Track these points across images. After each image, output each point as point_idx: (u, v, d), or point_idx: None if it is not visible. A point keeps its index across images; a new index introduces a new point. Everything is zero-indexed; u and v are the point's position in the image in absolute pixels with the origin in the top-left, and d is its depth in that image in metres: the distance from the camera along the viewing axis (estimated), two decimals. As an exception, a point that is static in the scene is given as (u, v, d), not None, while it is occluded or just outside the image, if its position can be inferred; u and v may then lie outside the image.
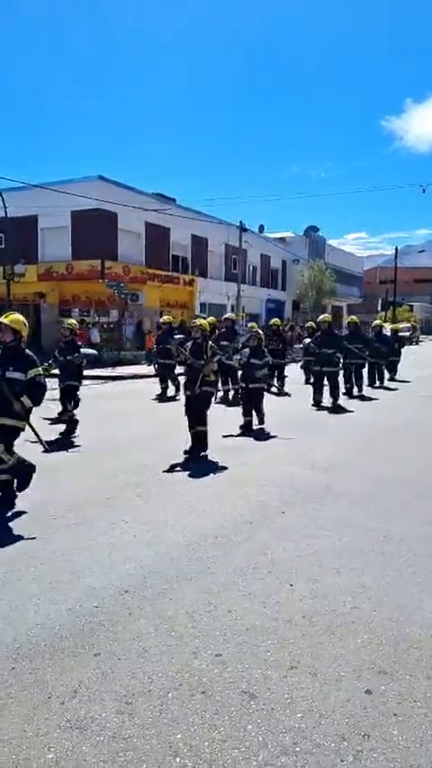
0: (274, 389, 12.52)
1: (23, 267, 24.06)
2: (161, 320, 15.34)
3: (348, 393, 13.50)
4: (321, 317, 13.02)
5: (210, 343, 7.64)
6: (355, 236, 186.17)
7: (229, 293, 33.53)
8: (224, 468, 6.94)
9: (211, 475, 6.61)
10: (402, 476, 6.64)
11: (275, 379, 13.91)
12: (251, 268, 39.73)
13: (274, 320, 15.59)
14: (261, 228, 39.86)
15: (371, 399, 13.23)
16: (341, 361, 12.35)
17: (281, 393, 13.60)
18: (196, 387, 7.37)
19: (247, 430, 9.02)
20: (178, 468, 6.85)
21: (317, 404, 11.89)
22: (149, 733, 2.47)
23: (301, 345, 18.41)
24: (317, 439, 8.74)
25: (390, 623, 3.38)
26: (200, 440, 7.51)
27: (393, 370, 17.14)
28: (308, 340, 13.30)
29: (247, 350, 9.51)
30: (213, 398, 7.67)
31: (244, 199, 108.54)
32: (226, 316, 14.40)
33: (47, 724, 2.53)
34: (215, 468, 6.93)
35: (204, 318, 11.39)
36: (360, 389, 13.90)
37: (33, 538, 4.65)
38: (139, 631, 3.27)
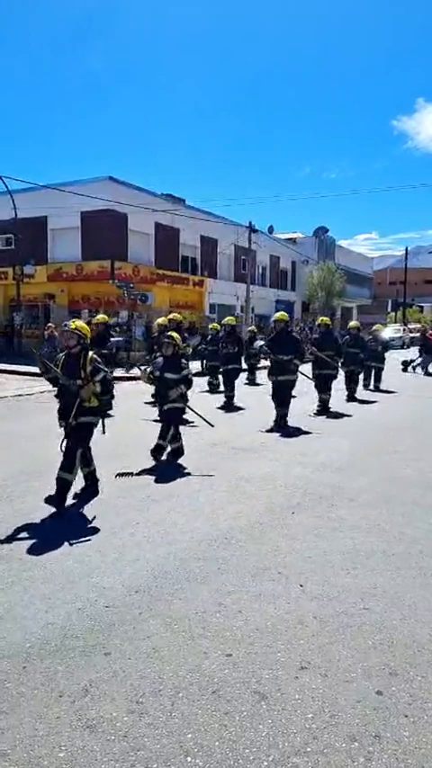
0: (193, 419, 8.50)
1: (33, 268, 24.19)
2: (94, 320, 12.26)
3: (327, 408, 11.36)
4: (276, 314, 10.44)
5: (91, 354, 5.55)
6: (366, 237, 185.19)
7: (238, 294, 33.54)
8: (233, 469, 6.93)
9: (221, 476, 6.60)
10: (413, 477, 6.61)
11: (227, 389, 12.18)
12: (260, 269, 39.73)
13: (228, 318, 13.12)
14: (271, 229, 39.81)
15: (343, 416, 10.90)
16: (299, 368, 9.86)
17: (229, 397, 11.75)
18: (71, 417, 5.43)
19: (156, 455, 7.10)
20: (187, 470, 6.85)
21: (281, 420, 9.53)
22: (160, 732, 2.48)
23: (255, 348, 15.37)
24: (323, 440, 8.72)
25: (401, 624, 3.36)
26: (60, 487, 5.30)
27: (377, 379, 15.29)
28: (260, 342, 10.67)
29: (159, 360, 7.43)
30: (99, 429, 5.72)
31: (254, 200, 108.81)
32: (170, 316, 11.62)
33: (58, 723, 2.54)
34: (225, 469, 6.93)
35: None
36: (326, 402, 11.38)
37: (43, 538, 4.67)
38: (150, 631, 3.28)
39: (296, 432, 9.25)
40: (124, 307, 25.72)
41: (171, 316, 11.63)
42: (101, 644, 3.15)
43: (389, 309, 59.09)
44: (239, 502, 5.63)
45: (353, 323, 15.10)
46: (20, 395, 14.02)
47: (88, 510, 5.37)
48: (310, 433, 9.19)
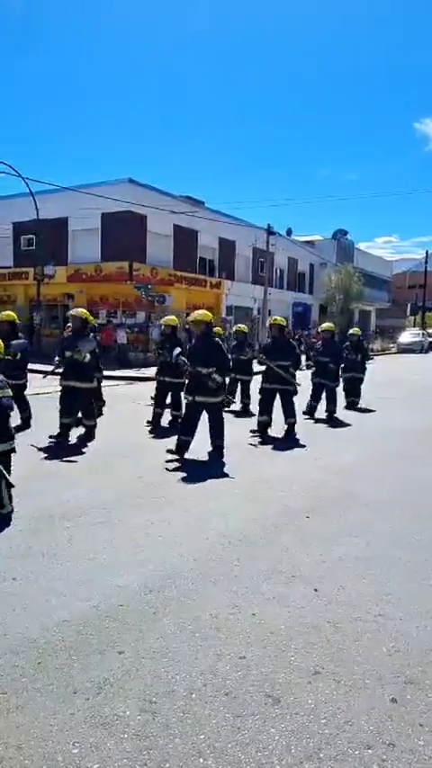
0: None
1: (53, 269, 24.43)
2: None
3: (262, 429, 8.87)
4: (196, 313, 7.74)
5: None
6: (386, 240, 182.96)
7: (255, 296, 33.53)
8: (248, 471, 6.93)
9: (236, 478, 6.60)
10: (428, 482, 6.54)
11: (158, 404, 9.51)
12: (278, 271, 39.65)
13: (169, 318, 10.11)
14: (289, 232, 39.71)
15: (299, 447, 8.39)
16: (224, 383, 7.75)
17: (157, 414, 9.20)
18: None
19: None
20: (202, 471, 6.85)
21: (180, 449, 7.40)
22: (173, 732, 2.48)
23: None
24: (337, 445, 8.67)
25: (416, 631, 3.33)
26: None
27: (355, 393, 12.60)
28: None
29: None
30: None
31: (273, 202, 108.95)
32: (72, 312, 9.18)
33: (72, 719, 2.56)
34: (239, 471, 6.92)
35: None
36: (291, 427, 8.97)
37: (59, 536, 4.71)
38: (164, 631, 3.29)
39: (309, 436, 9.21)
40: (142, 308, 25.85)
41: (74, 311, 9.04)
42: (115, 642, 3.16)
43: (408, 313, 58.60)
44: (253, 504, 5.62)
45: (326, 324, 12.16)
46: (37, 393, 14.08)
47: (102, 509, 5.39)
48: (324, 437, 9.14)
